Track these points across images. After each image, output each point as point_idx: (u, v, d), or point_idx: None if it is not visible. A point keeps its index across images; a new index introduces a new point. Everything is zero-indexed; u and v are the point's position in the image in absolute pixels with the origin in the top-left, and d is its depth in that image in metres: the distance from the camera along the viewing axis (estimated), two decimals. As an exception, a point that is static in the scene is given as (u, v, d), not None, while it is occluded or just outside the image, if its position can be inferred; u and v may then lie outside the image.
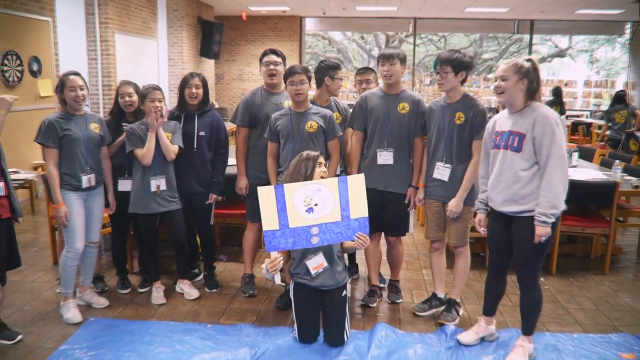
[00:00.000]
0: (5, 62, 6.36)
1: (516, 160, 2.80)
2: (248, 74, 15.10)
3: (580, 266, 4.64)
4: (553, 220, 2.73)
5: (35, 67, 6.92)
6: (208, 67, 13.10)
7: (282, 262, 3.00)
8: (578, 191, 4.34)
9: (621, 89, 11.73)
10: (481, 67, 24.97)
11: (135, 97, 3.80)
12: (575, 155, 5.37)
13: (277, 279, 3.09)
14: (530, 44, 15.70)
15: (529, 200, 2.79)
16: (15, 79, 6.54)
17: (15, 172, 6.00)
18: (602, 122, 10.10)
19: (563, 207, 2.74)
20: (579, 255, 4.91)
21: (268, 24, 14.84)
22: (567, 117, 12.72)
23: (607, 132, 9.17)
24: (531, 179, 2.78)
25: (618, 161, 4.97)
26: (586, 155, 6.24)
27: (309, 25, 15.97)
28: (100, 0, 8.69)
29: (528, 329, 3.00)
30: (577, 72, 25.03)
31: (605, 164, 5.58)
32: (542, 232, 2.73)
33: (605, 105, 15.35)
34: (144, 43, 10.24)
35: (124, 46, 9.30)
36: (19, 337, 3.23)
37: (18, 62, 6.58)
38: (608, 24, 14.91)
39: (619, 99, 9.01)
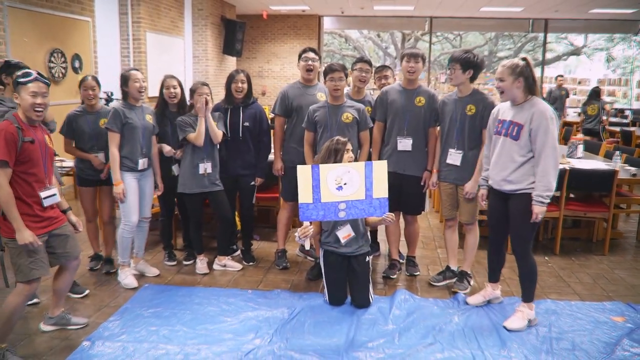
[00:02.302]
0: (52, 59, 6.89)
1: (514, 147, 3.24)
2: (268, 71, 15.58)
3: (582, 248, 5.05)
4: (548, 201, 3.18)
5: (77, 64, 7.46)
6: (230, 65, 13.59)
7: (312, 229, 3.49)
8: (581, 179, 4.80)
9: (596, 85, 12.92)
10: (496, 65, 25.23)
11: (178, 90, 4.28)
12: (580, 147, 5.76)
13: (307, 244, 3.60)
14: (545, 43, 15.99)
15: (521, 180, 3.23)
16: (60, 75, 7.07)
17: (62, 161, 6.54)
18: (614, 119, 11.06)
19: (554, 189, 3.19)
20: (583, 239, 5.32)
21: (288, 23, 15.30)
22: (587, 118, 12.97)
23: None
24: (524, 163, 3.22)
25: (618, 152, 5.38)
26: (592, 148, 6.62)
27: (327, 24, 16.39)
28: (133, 1, 9.23)
29: (526, 295, 3.42)
30: (593, 71, 25.14)
31: (609, 156, 5.97)
32: (539, 210, 3.17)
33: (618, 103, 15.72)
34: (172, 41, 10.77)
35: (154, 44, 9.84)
36: (86, 291, 3.81)
37: (62, 59, 7.11)
38: (622, 22, 15.14)
39: (595, 94, 10.07)
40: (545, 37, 15.66)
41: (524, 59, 3.23)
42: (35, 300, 3.62)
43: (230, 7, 13.52)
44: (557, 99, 10.89)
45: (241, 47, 13.53)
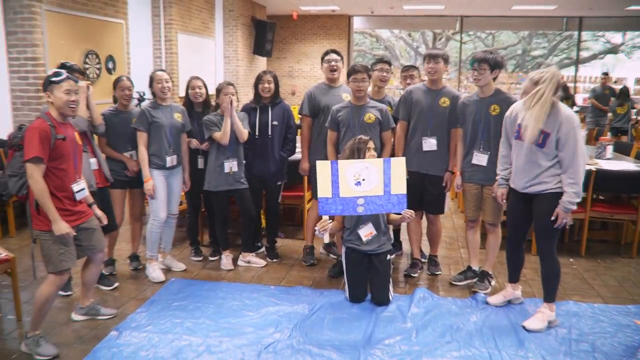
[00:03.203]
0: (87, 60, 7.13)
1: (539, 154, 3.24)
2: (298, 71, 15.71)
3: (610, 250, 4.98)
4: (575, 207, 3.23)
5: (110, 65, 7.69)
6: (260, 65, 13.75)
7: (330, 224, 3.57)
8: (609, 181, 4.73)
9: (630, 84, 13.58)
10: (530, 64, 24.80)
11: (203, 90, 4.40)
12: (610, 148, 5.66)
13: (326, 238, 3.67)
14: (579, 41, 15.67)
15: (549, 181, 3.24)
16: (95, 75, 7.30)
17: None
18: None
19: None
20: (610, 241, 5.24)
21: (318, 23, 15.40)
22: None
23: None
24: (550, 167, 3.23)
25: (648, 152, 5.28)
26: (623, 149, 6.49)
27: (357, 23, 16.42)
28: (165, 3, 9.45)
29: (548, 296, 3.41)
30: (633, 69, 24.42)
31: (640, 157, 5.86)
32: (567, 216, 3.22)
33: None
34: (203, 42, 10.97)
35: (185, 45, 10.05)
36: (116, 284, 3.97)
37: (97, 60, 7.35)
38: (661, 20, 14.74)
39: (624, 94, 10.20)
40: (579, 35, 15.36)
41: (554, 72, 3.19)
42: (68, 292, 3.79)
43: (261, 8, 13.67)
44: (601, 98, 10.56)
45: (271, 48, 13.67)
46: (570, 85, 15.10)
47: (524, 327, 3.32)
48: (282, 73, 15.80)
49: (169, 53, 9.63)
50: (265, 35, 13.17)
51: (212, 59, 11.50)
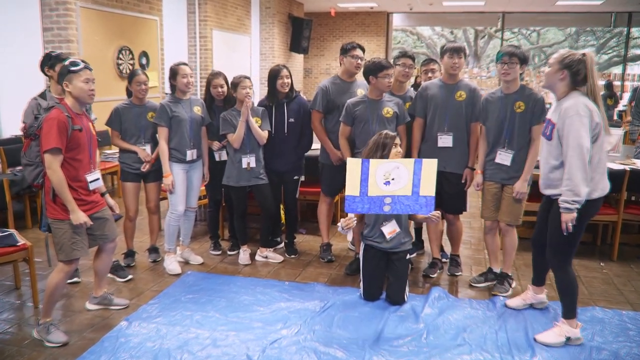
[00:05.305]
0: (120, 56, 7.27)
1: (547, 148, 3.03)
2: (335, 68, 15.64)
3: (646, 255, 4.73)
4: (577, 206, 2.83)
5: (144, 61, 7.83)
6: (297, 62, 13.77)
7: (355, 221, 3.48)
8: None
9: None
10: (577, 62, 23.97)
11: (225, 88, 4.37)
12: (650, 148, 5.38)
13: (350, 236, 3.56)
14: (628, 38, 15.03)
15: (557, 185, 2.97)
16: (128, 71, 7.44)
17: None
18: None
19: (585, 194, 2.82)
20: (648, 246, 4.98)
21: (356, 20, 15.31)
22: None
23: None
24: (559, 166, 2.95)
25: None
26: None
27: (397, 20, 16.25)
28: (200, 0, 9.56)
29: (565, 311, 3.09)
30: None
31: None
32: (567, 218, 2.86)
33: None
34: (238, 39, 11.05)
35: (220, 42, 10.14)
36: (130, 276, 4.00)
37: (130, 56, 7.49)
38: None
39: None
40: (628, 32, 14.74)
41: (583, 54, 2.93)
42: (75, 279, 3.87)
43: (298, 5, 13.69)
44: None
45: (308, 45, 13.68)
46: (617, 83, 14.54)
47: (535, 340, 3.10)
48: (319, 70, 15.80)
49: (203, 50, 9.74)
50: (302, 32, 13.19)
51: (247, 56, 11.59)
